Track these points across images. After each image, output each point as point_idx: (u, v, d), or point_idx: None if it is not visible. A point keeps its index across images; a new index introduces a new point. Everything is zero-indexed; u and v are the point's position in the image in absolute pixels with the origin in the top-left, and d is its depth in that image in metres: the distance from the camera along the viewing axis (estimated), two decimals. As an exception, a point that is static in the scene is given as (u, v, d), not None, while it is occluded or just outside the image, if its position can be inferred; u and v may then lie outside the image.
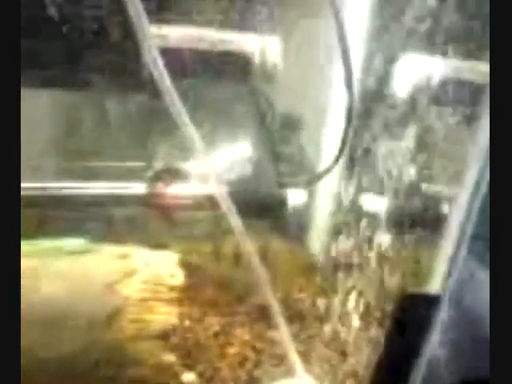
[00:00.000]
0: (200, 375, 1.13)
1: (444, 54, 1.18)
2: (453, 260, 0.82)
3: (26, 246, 1.02)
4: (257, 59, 1.39)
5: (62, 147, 1.47)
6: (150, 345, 0.99)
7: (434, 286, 0.81)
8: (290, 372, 1.07)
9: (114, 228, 1.33)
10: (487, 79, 0.71)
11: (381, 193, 1.32)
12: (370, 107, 1.34)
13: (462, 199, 0.88)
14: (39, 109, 1.33)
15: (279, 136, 1.56)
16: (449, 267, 0.82)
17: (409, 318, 0.75)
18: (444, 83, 1.25)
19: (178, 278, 1.05)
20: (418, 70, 1.30)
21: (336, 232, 1.41)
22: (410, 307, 0.74)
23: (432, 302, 0.74)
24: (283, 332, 1.12)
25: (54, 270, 1.00)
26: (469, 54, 1.17)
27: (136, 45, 1.05)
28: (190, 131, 1.09)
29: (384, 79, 1.31)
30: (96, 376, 0.98)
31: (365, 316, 1.17)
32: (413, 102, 1.28)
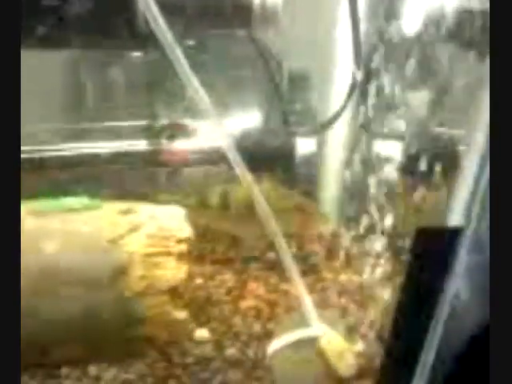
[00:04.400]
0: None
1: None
2: (473, 196, 0.77)
3: (28, 206, 0.99)
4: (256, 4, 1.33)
5: (63, 108, 1.44)
6: (160, 301, 0.96)
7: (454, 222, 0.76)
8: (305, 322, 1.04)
9: (119, 185, 1.30)
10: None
11: (394, 137, 1.27)
12: (378, 47, 1.28)
13: (479, 138, 0.83)
14: (38, 70, 1.29)
15: (286, 87, 1.51)
16: (468, 204, 0.77)
17: (428, 254, 0.71)
18: (457, 16, 1.18)
19: (185, 231, 1.01)
20: (428, 5, 1.23)
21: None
22: (429, 242, 0.70)
23: (452, 234, 0.69)
24: (297, 283, 1.09)
25: (56, 228, 0.97)
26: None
27: None
28: (194, 84, 1.05)
29: (393, 16, 1.25)
30: (103, 335, 0.96)
31: (383, 259, 1.13)
32: (424, 38, 1.21)
